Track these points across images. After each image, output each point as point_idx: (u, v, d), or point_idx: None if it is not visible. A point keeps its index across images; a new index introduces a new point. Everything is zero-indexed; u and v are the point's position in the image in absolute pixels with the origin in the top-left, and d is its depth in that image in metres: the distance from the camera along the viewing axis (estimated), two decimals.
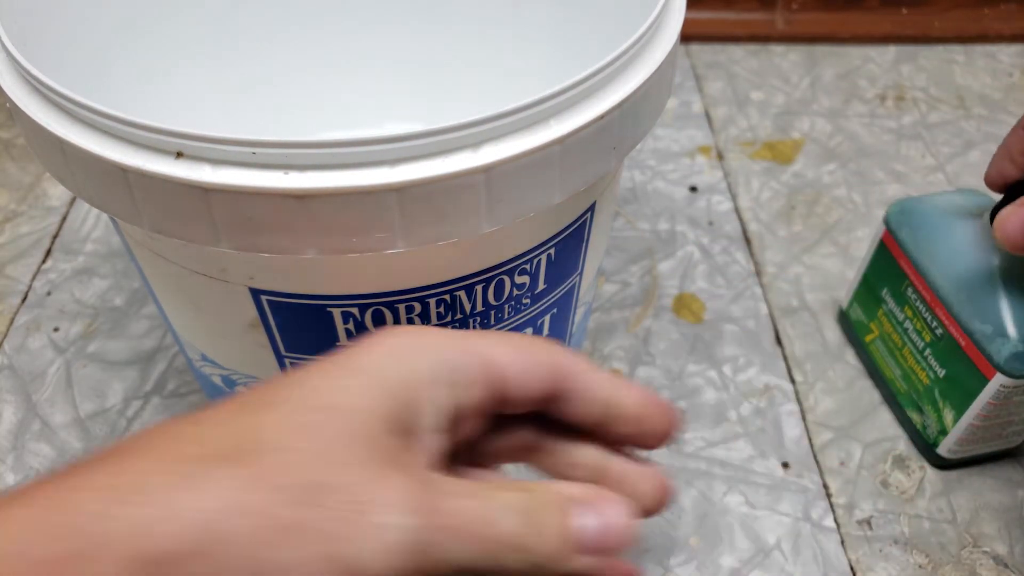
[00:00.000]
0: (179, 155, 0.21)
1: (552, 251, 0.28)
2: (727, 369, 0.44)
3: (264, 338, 0.28)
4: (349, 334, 0.27)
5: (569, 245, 0.29)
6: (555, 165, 0.23)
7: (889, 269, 0.41)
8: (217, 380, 0.33)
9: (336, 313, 0.27)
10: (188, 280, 0.27)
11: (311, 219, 0.21)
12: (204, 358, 0.32)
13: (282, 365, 0.29)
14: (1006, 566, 0.37)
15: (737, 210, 0.53)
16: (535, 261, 0.28)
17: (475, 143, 0.21)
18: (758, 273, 0.49)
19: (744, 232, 0.52)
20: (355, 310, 0.26)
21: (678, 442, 0.41)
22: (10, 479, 0.39)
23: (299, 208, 0.21)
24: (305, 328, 0.27)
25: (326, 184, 0.20)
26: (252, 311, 0.27)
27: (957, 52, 0.67)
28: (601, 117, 0.23)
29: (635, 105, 0.24)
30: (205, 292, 0.27)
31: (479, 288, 0.27)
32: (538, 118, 0.22)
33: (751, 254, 0.50)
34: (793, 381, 0.44)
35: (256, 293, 0.26)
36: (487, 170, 0.21)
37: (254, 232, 0.21)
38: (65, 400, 0.42)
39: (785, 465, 0.40)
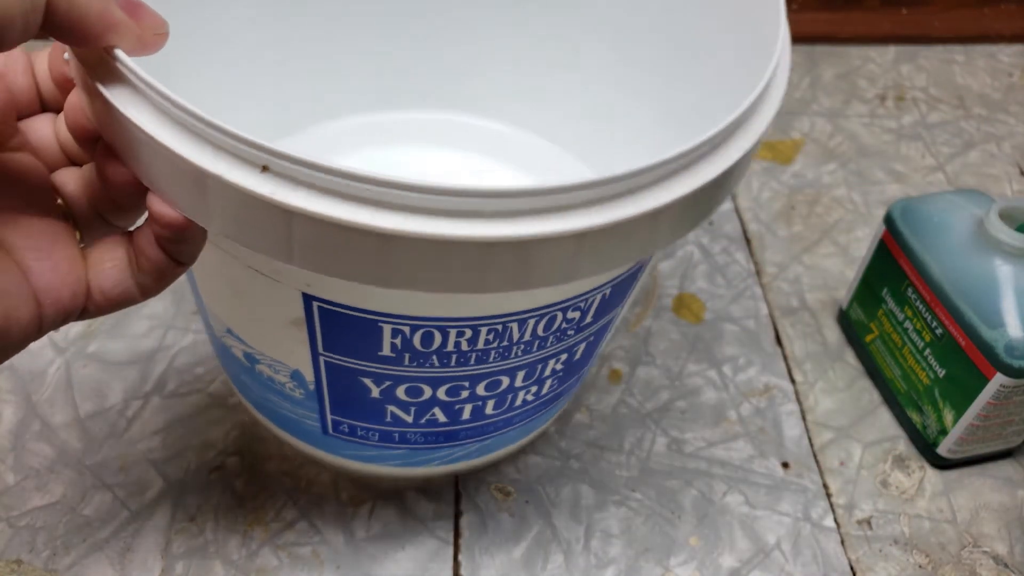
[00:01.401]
0: (264, 169, 0.20)
1: (608, 291, 0.29)
2: (727, 369, 0.44)
3: (304, 335, 0.28)
4: (394, 347, 0.28)
5: (624, 284, 0.29)
6: (659, 225, 0.22)
7: (889, 269, 0.41)
8: (238, 353, 0.32)
9: (386, 328, 0.26)
10: (236, 270, 0.27)
11: (394, 259, 0.21)
12: (230, 332, 0.31)
13: (316, 361, 0.29)
14: (1006, 566, 0.37)
15: (737, 210, 0.53)
16: (590, 300, 0.28)
17: (574, 206, 0.21)
18: (758, 273, 0.49)
19: (744, 232, 0.52)
20: (406, 328, 0.27)
21: (678, 442, 0.41)
22: (10, 479, 0.39)
23: (383, 247, 0.20)
24: (351, 335, 0.27)
25: (417, 229, 0.20)
26: (299, 311, 0.27)
27: (957, 52, 0.67)
28: (703, 187, 0.22)
29: (740, 167, 0.23)
30: (252, 285, 0.27)
31: (531, 321, 0.28)
32: (651, 180, 0.21)
33: (751, 254, 0.50)
34: (793, 381, 0.44)
35: (309, 298, 0.26)
36: (582, 235, 0.21)
37: (331, 259, 0.21)
38: (65, 400, 0.42)
39: (785, 465, 0.40)
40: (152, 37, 0.21)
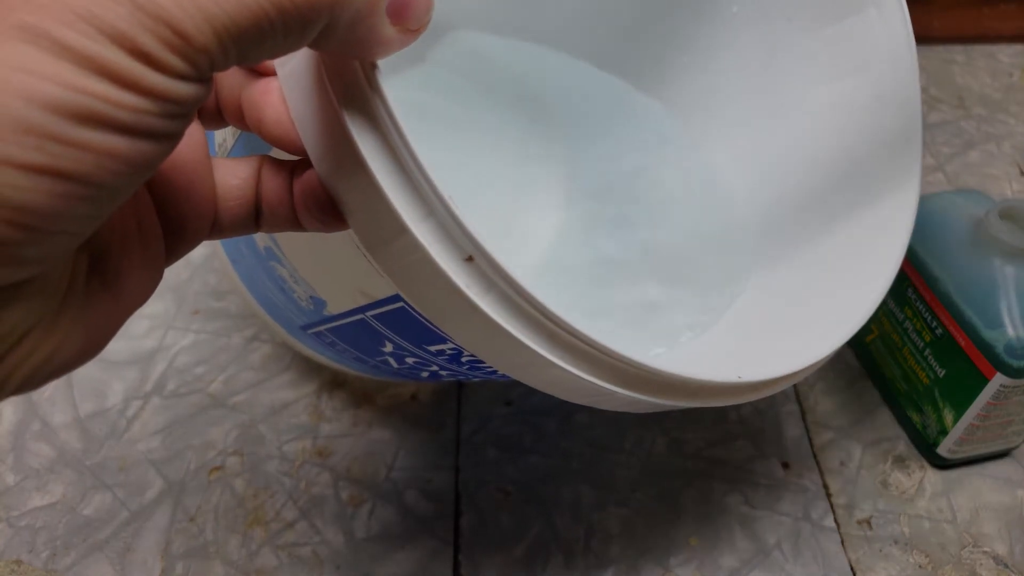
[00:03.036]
0: (469, 259, 0.19)
1: None
2: None
3: (363, 299, 0.28)
4: (444, 352, 0.28)
5: None
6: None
7: None
8: (258, 243, 0.32)
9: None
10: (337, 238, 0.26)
11: (548, 380, 0.22)
12: (280, 259, 0.31)
13: (354, 313, 0.29)
14: (1006, 566, 0.37)
15: None
16: None
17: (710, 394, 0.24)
18: None
19: None
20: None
21: (678, 442, 0.41)
22: (10, 479, 0.39)
23: (548, 373, 0.21)
24: (416, 328, 0.27)
25: (600, 383, 0.21)
26: (381, 295, 0.27)
27: (957, 52, 0.67)
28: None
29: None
30: (345, 250, 0.26)
31: None
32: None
33: None
34: None
35: (401, 298, 0.26)
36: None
37: (492, 354, 0.21)
38: (65, 400, 0.42)
39: (785, 465, 0.40)
40: (414, 36, 0.18)
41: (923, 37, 0.68)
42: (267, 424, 0.41)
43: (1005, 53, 0.67)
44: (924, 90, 0.63)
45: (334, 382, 0.43)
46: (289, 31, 0.15)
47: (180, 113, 0.15)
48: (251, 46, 0.15)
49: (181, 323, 0.46)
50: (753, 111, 0.37)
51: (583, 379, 0.21)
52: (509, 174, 0.36)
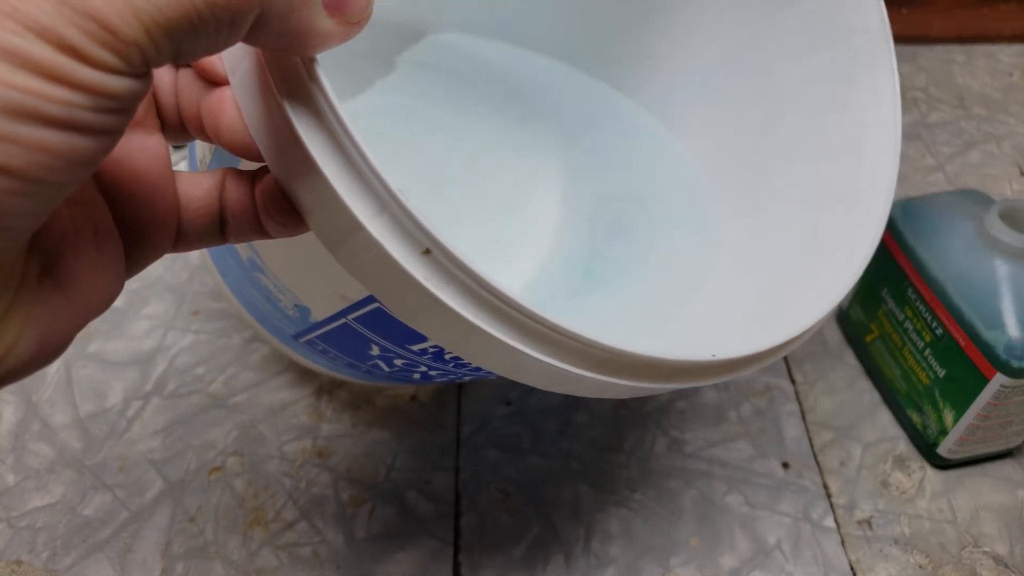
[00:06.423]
0: (426, 252, 0.19)
1: None
2: None
3: (344, 304, 0.28)
4: (427, 351, 0.28)
5: None
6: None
7: (889, 269, 0.41)
8: (241, 253, 0.31)
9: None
10: (314, 245, 0.26)
11: (516, 367, 0.21)
12: (250, 245, 0.31)
13: (336, 317, 0.29)
14: (1006, 566, 0.37)
15: None
16: None
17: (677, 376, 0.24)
18: None
19: None
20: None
21: (678, 442, 0.41)
22: (10, 479, 0.39)
23: (513, 359, 0.21)
24: (395, 329, 0.27)
25: (559, 365, 0.21)
26: (357, 297, 0.27)
27: (957, 52, 0.67)
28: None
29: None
30: (320, 256, 0.26)
31: None
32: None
33: None
34: (793, 381, 0.44)
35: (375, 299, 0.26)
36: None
37: (457, 343, 0.21)
38: (65, 400, 0.42)
39: (785, 465, 0.40)
40: (355, 29, 0.18)
41: (923, 37, 0.68)
42: (267, 424, 0.41)
43: (1005, 53, 0.67)
44: (924, 90, 0.63)
45: (334, 382, 0.43)
46: (220, 23, 0.15)
47: (115, 108, 0.15)
48: (184, 40, 0.15)
49: (181, 323, 0.46)
50: (733, 94, 0.37)
51: (553, 365, 0.20)
52: (506, 174, 0.37)
